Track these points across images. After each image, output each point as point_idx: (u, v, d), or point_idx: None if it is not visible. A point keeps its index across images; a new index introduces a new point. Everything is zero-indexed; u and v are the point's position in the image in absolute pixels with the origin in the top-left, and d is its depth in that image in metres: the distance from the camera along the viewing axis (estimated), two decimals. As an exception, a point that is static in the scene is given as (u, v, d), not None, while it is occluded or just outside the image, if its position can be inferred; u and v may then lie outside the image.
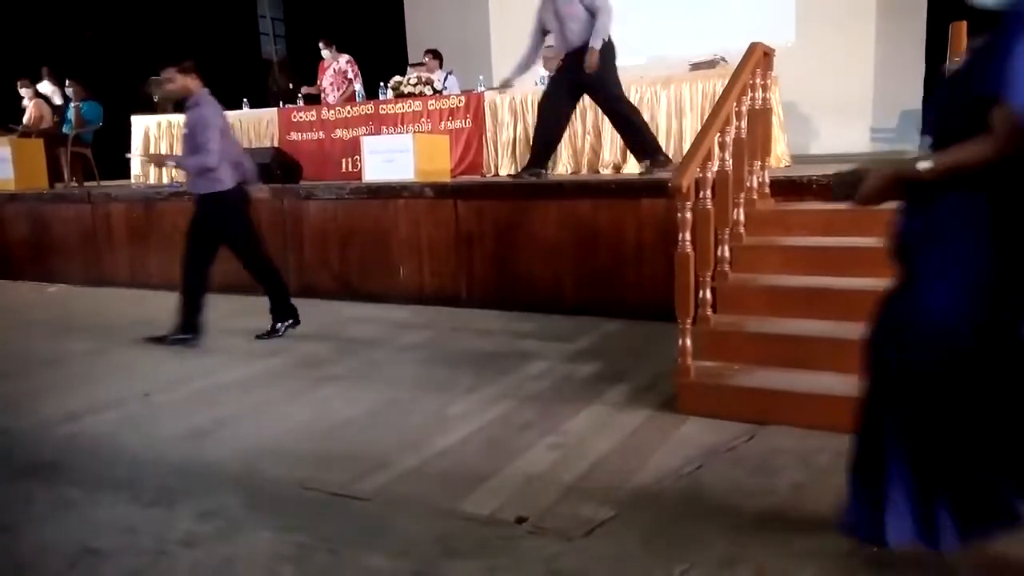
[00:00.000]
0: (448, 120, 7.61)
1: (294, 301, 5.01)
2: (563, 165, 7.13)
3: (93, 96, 9.48)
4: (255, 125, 8.67)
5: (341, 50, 8.86)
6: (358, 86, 8.70)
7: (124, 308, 6.30)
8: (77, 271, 7.50)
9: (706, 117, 3.93)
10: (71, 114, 9.23)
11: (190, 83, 4.65)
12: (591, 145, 7.09)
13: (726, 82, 4.03)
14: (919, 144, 8.35)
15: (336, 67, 8.84)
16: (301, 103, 8.74)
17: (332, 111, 8.23)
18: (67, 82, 9.27)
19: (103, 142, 9.45)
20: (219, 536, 2.42)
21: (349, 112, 8.12)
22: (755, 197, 4.34)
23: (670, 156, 6.03)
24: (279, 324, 4.96)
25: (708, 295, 3.55)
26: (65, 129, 9.22)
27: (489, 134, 7.48)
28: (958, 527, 1.96)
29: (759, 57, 4.21)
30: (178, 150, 8.88)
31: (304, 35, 12.58)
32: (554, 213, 5.42)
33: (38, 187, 8.44)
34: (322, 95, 8.94)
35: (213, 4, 12.56)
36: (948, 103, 1.88)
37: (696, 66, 7.00)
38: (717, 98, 4.16)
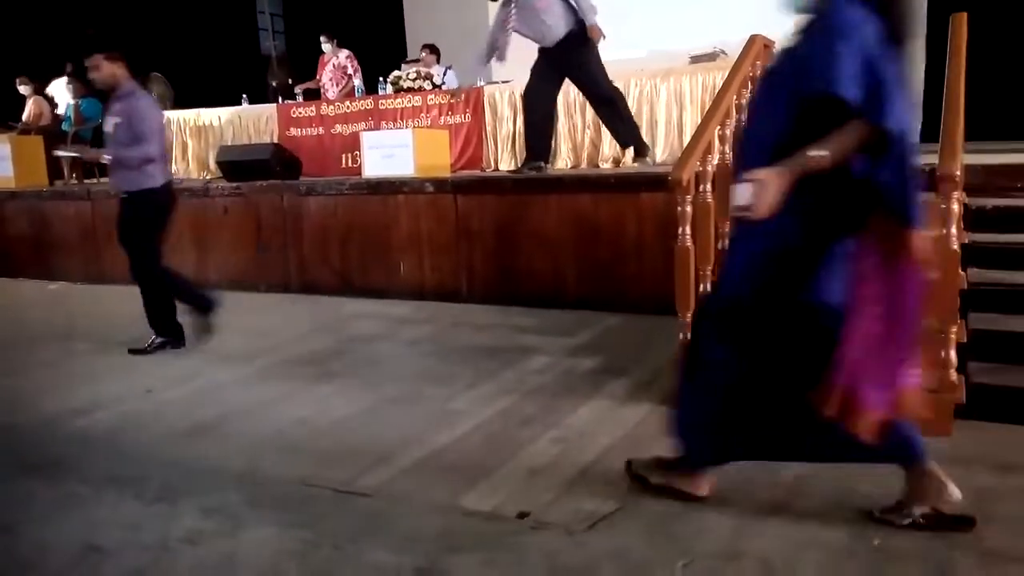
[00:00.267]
0: (447, 115, 7.60)
1: (294, 298, 5.00)
2: (563, 160, 7.12)
3: (93, 93, 9.46)
4: (254, 121, 8.66)
5: (341, 45, 8.84)
6: (358, 81, 8.69)
7: (125, 306, 6.27)
8: (77, 269, 7.50)
9: (706, 110, 3.92)
10: (70, 111, 9.22)
11: (118, 72, 4.37)
12: (591, 139, 7.08)
13: (726, 75, 4.02)
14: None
15: (336, 62, 8.82)
16: (300, 99, 8.72)
17: (331, 107, 8.22)
18: (66, 79, 9.25)
19: (101, 140, 9.43)
20: (222, 533, 2.42)
21: (348, 108, 8.10)
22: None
23: (671, 149, 6.03)
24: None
25: (708, 289, 3.55)
26: (64, 126, 9.21)
27: (489, 129, 7.46)
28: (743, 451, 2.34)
29: (759, 49, 4.20)
30: (176, 147, 8.90)
31: (303, 30, 12.57)
32: (554, 208, 5.42)
33: (38, 184, 8.43)
34: (322, 90, 8.92)
35: (212, 0, 12.53)
36: (766, 101, 2.09)
37: (696, 59, 6.99)
38: (717, 91, 4.15)
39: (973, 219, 3.74)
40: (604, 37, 5.76)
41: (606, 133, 6.92)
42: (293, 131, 8.31)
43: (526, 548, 2.26)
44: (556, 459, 2.86)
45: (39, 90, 9.46)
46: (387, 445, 3.06)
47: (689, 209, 3.29)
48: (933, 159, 2.97)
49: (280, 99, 8.99)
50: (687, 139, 4.91)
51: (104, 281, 7.31)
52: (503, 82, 6.76)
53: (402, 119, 7.75)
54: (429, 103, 7.68)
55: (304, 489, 2.71)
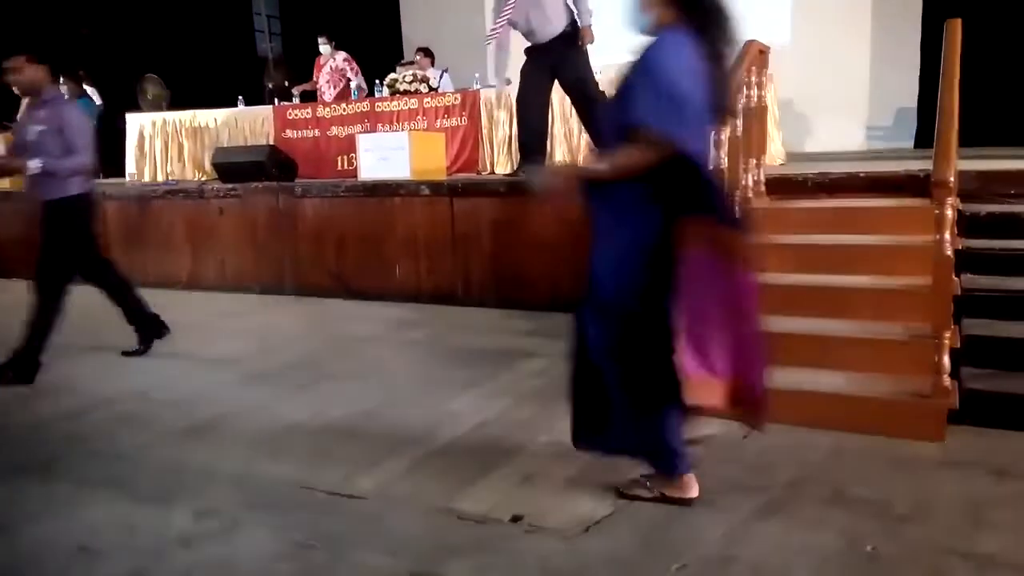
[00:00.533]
0: (444, 118, 7.60)
1: (290, 300, 4.99)
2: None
3: (88, 93, 9.43)
4: (251, 123, 8.64)
5: (338, 47, 8.84)
6: (359, 81, 8.68)
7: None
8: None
9: (702, 115, 3.93)
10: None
11: (41, 76, 4.16)
12: (587, 143, 7.08)
13: (722, 80, 4.02)
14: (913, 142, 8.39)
15: (333, 64, 8.82)
16: (296, 101, 8.71)
17: (327, 109, 8.21)
18: (61, 79, 9.22)
19: (98, 139, 9.41)
20: (216, 535, 2.42)
21: (344, 110, 8.10)
22: (750, 195, 4.34)
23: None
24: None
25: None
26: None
27: (485, 132, 7.46)
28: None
29: (754, 55, 4.21)
30: (171, 148, 8.89)
31: (299, 32, 12.55)
32: (550, 210, 5.41)
33: (32, 185, 8.40)
34: (318, 92, 8.92)
35: (208, 1, 12.52)
36: (610, 116, 2.35)
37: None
38: (713, 96, 4.16)
39: (967, 225, 3.76)
40: (593, 41, 5.79)
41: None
42: (289, 133, 8.30)
43: (520, 552, 2.26)
44: (551, 463, 2.86)
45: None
46: (382, 447, 3.06)
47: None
48: (928, 165, 2.99)
49: (276, 101, 8.97)
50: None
51: (98, 282, 7.30)
52: (507, 82, 6.73)
53: (398, 122, 7.75)
54: (425, 106, 7.69)
55: (298, 491, 2.71)
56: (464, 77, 8.61)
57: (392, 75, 8.06)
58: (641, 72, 2.25)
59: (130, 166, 9.22)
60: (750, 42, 4.23)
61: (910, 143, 8.48)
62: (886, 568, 2.11)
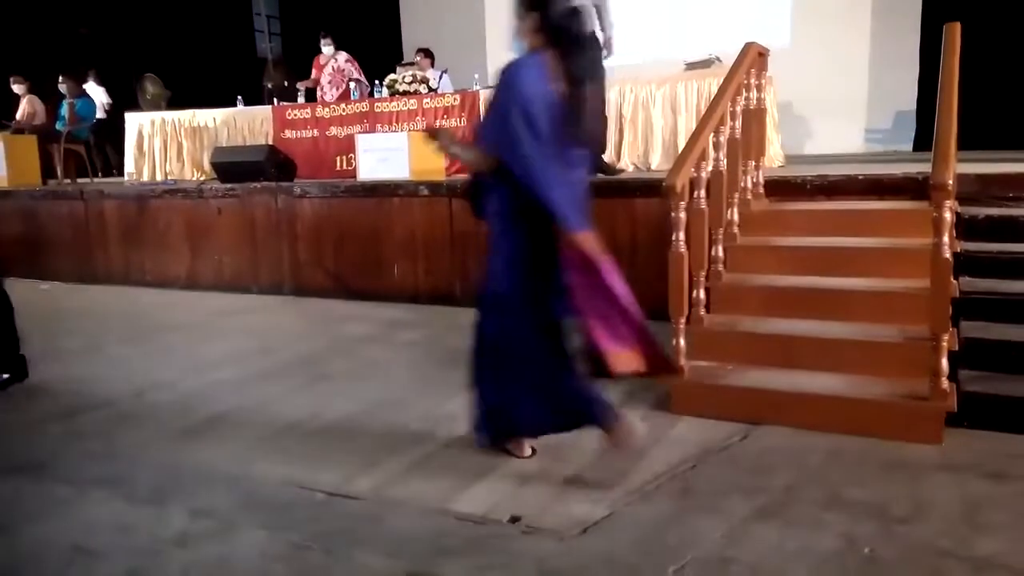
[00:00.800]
0: (443, 119, 7.60)
1: (288, 300, 4.97)
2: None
3: (87, 93, 9.42)
4: (249, 123, 8.64)
5: (338, 48, 8.83)
6: (360, 80, 8.67)
7: (116, 306, 6.28)
8: (70, 268, 7.47)
9: (701, 117, 3.94)
10: (64, 111, 9.18)
11: None
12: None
13: (721, 82, 4.03)
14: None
15: (335, 65, 8.82)
16: (301, 99, 8.71)
17: (327, 109, 8.21)
18: (60, 78, 9.22)
19: (99, 139, 9.42)
20: (212, 535, 2.41)
21: (344, 110, 8.10)
22: (749, 197, 4.34)
23: (666, 155, 6.04)
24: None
25: (702, 295, 3.56)
26: (58, 126, 9.18)
27: (484, 133, 7.45)
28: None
29: (754, 57, 4.22)
30: (170, 148, 8.89)
31: (299, 33, 12.56)
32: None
33: (30, 184, 8.40)
34: (319, 92, 8.91)
35: (208, 1, 12.52)
36: (481, 121, 2.76)
37: (691, 66, 7.00)
38: (712, 98, 4.16)
39: (966, 228, 3.76)
40: (610, 55, 5.77)
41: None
42: (288, 133, 8.29)
43: (517, 552, 2.26)
44: (548, 464, 2.86)
45: (33, 89, 9.42)
46: (379, 448, 3.06)
47: (683, 215, 3.30)
48: (927, 168, 2.99)
49: (276, 101, 8.97)
50: (682, 145, 4.93)
51: (96, 281, 7.29)
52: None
53: (397, 122, 7.75)
54: (424, 107, 7.68)
55: (295, 492, 2.71)
56: (464, 78, 8.61)
57: (392, 76, 8.06)
58: (499, 89, 2.60)
59: (129, 165, 9.22)
60: (750, 44, 4.24)
61: (909, 146, 8.50)
62: (884, 570, 2.11)
